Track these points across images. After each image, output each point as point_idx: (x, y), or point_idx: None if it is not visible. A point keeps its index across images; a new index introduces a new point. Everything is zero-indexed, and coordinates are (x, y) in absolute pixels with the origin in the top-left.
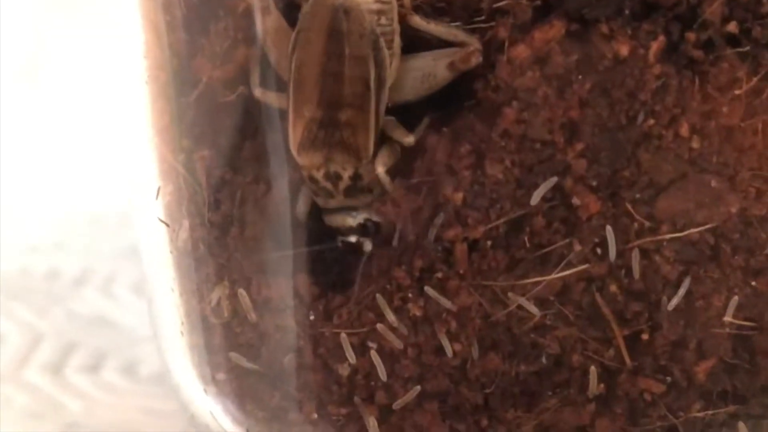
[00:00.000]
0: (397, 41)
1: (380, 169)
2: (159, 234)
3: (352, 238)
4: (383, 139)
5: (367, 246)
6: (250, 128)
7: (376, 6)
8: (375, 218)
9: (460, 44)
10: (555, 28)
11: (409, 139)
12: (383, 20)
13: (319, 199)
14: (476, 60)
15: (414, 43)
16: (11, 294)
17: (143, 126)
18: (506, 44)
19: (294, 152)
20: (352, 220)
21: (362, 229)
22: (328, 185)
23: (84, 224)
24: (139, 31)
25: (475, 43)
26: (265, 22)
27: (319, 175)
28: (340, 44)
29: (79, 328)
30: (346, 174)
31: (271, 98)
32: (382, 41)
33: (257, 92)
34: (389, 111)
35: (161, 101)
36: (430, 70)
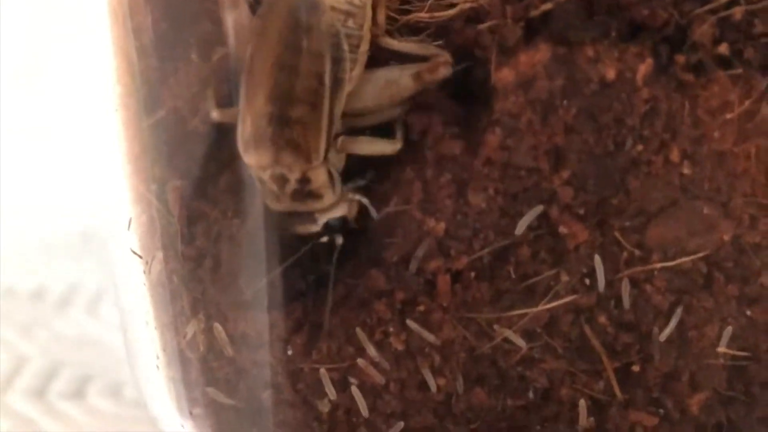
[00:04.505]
0: (363, 48)
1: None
2: (133, 265)
3: (324, 240)
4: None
5: (339, 240)
6: (224, 159)
7: (345, 7)
8: (338, 214)
9: (432, 58)
10: (541, 52)
11: (395, 145)
12: (351, 23)
13: (267, 200)
14: (445, 71)
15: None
16: None
17: (116, 154)
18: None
19: (240, 149)
20: (316, 226)
21: (329, 229)
22: (275, 188)
23: (73, 238)
24: (111, 58)
25: (445, 56)
26: (233, 17)
27: (265, 176)
28: (297, 36)
29: (64, 349)
30: (293, 177)
31: (230, 116)
32: (344, 42)
33: (214, 114)
34: (356, 129)
35: (132, 130)
36: (395, 77)
